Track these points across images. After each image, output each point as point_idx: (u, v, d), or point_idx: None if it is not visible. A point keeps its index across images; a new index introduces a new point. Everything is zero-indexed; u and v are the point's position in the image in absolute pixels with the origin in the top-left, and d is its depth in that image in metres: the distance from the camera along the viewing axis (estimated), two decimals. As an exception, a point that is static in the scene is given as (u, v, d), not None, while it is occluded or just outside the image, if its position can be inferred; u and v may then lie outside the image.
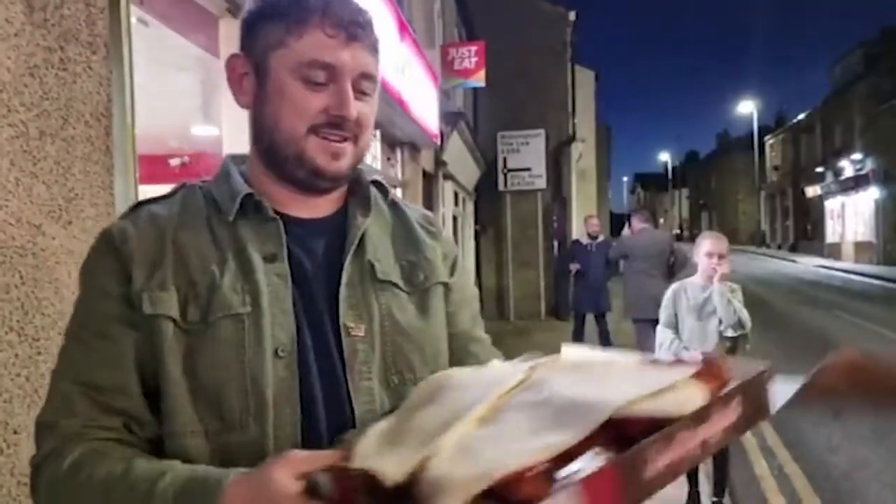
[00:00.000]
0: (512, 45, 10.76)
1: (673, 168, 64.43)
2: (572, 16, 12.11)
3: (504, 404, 0.64)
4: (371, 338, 0.82)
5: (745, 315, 3.30)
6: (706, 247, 3.37)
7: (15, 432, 1.31)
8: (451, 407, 0.65)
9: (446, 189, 8.49)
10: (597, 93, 19.72)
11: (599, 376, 0.66)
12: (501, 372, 0.72)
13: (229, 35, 2.88)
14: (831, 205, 27.92)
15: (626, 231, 7.16)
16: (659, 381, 0.62)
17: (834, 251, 26.54)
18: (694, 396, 0.61)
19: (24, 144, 1.37)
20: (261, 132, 0.85)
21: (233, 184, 0.86)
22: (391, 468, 0.57)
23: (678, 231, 59.42)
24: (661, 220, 63.21)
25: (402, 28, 5.26)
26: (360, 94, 0.83)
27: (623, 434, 0.58)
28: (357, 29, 0.81)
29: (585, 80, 16.68)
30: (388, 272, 0.87)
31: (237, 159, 0.91)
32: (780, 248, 34.81)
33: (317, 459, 0.64)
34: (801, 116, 33.09)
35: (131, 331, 0.77)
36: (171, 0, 2.58)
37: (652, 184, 75.08)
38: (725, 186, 47.70)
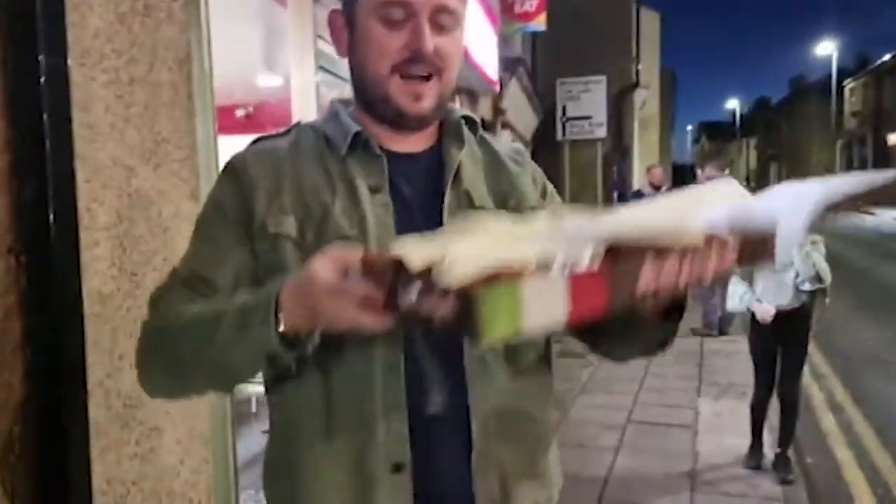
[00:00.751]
0: (574, -13, 10.39)
1: (741, 115, 61.55)
2: (638, -46, 11.55)
3: (525, 233, 0.70)
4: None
5: (824, 268, 3.19)
6: None
7: (119, 358, 1.42)
8: (480, 226, 0.73)
9: (504, 138, 8.40)
10: (662, 36, 18.88)
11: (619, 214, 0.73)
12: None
13: (296, -19, 2.91)
14: (914, 153, 26.20)
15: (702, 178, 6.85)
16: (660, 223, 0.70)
17: (915, 202, 25.04)
18: (682, 231, 0.68)
19: (116, 90, 1.44)
20: (356, 78, 0.93)
21: (343, 123, 0.93)
22: (417, 255, 0.64)
23: (745, 183, 57.04)
24: (727, 172, 60.76)
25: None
26: (439, 27, 0.87)
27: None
28: None
29: (650, 23, 15.96)
30: (484, 199, 0.93)
31: (344, 102, 0.99)
32: (854, 199, 33.02)
33: (354, 252, 0.72)
34: (886, 57, 30.86)
35: (237, 244, 0.89)
36: (240, -53, 2.61)
37: (718, 133, 71.98)
38: (798, 135, 45.31)
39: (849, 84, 35.93)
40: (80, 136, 1.32)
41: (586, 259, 0.64)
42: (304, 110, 3.03)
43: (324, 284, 0.70)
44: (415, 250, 0.64)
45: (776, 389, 3.48)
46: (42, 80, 1.21)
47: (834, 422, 4.37)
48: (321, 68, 3.07)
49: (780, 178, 46.13)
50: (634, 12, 11.70)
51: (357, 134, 0.91)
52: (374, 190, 0.89)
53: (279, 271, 0.85)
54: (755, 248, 0.70)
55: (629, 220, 0.70)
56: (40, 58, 1.21)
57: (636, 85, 12.00)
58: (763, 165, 55.72)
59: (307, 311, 0.74)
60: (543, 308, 0.62)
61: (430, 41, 0.86)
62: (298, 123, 0.99)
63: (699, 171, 7.42)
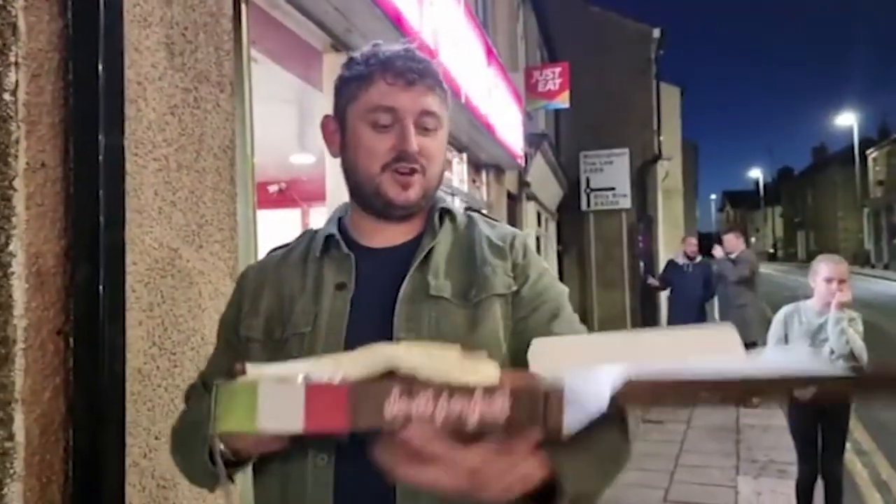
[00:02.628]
0: (595, 63, 10.69)
1: (765, 185, 61.55)
2: (657, 32, 11.91)
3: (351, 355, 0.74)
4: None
5: (859, 346, 3.08)
6: (824, 272, 3.18)
7: (156, 438, 1.43)
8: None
9: (529, 210, 8.49)
10: (682, 109, 19.21)
11: (434, 351, 0.74)
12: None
13: (333, 69, 3.06)
14: (945, 221, 25.79)
15: (719, 251, 6.76)
16: (469, 364, 0.69)
17: (950, 271, 24.47)
18: (471, 380, 0.66)
19: (165, 176, 1.52)
20: (347, 175, 1.03)
21: (327, 226, 1.05)
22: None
23: (772, 251, 56.46)
24: (753, 240, 60.34)
25: (489, 53, 5.37)
26: (423, 130, 0.97)
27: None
28: (414, 75, 0.96)
29: (671, 97, 16.29)
30: (441, 288, 0.96)
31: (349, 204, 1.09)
32: (886, 268, 32.44)
33: None
34: (907, 127, 30.89)
35: (226, 349, 1.02)
36: (280, 38, 2.77)
37: (742, 202, 71.89)
38: (823, 203, 45.04)
39: (872, 153, 35.94)
40: (130, 220, 1.39)
41: (332, 375, 0.67)
42: (338, 186, 3.13)
43: None
44: (266, 368, 0.73)
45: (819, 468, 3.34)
46: (101, 168, 1.28)
47: (881, 501, 4.16)
48: (354, 148, 3.18)
49: (807, 246, 45.54)
50: (655, 87, 11.97)
51: (329, 237, 1.02)
52: (339, 287, 0.97)
53: None
54: (532, 403, 0.65)
55: (422, 353, 0.71)
56: (100, 145, 1.28)
57: (658, 157, 12.14)
58: (789, 233, 55.22)
59: None
60: (279, 411, 0.66)
61: (415, 142, 0.95)
62: (307, 231, 1.10)
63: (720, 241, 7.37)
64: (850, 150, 37.07)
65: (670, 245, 7.37)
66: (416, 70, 0.96)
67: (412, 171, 0.96)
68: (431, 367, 0.68)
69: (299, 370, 0.70)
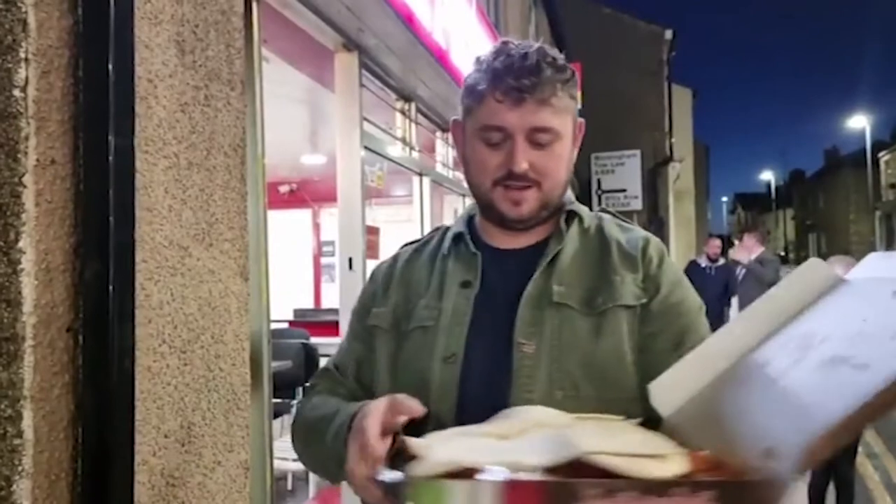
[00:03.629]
0: (607, 64, 10.66)
1: (776, 187, 61.12)
2: (669, 34, 11.87)
3: (525, 434, 0.73)
4: (539, 354, 0.91)
5: None
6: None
7: (165, 436, 1.43)
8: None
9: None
10: (694, 111, 19.11)
11: (611, 430, 0.74)
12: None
13: (344, 69, 3.06)
14: (960, 224, 25.50)
15: (742, 253, 6.61)
16: (652, 446, 0.65)
17: (965, 275, 24.16)
18: (665, 471, 0.62)
19: (175, 174, 1.51)
20: (468, 185, 1.04)
21: (457, 224, 1.08)
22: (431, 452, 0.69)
23: (783, 253, 56.06)
24: (767, 242, 59.84)
25: (499, 54, 5.34)
26: (537, 145, 0.95)
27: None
28: (522, 94, 0.93)
29: (682, 99, 16.21)
30: (567, 295, 0.94)
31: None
32: (900, 271, 32.04)
33: (409, 408, 0.82)
34: (922, 130, 30.57)
35: (356, 336, 1.08)
36: (292, 37, 2.77)
37: (754, 204, 71.44)
38: (835, 206, 44.66)
39: (884, 156, 35.60)
40: (139, 218, 1.38)
41: (529, 471, 0.62)
42: (350, 187, 3.12)
43: (359, 440, 0.81)
44: (438, 448, 0.69)
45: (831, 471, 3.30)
46: (111, 165, 1.28)
47: (893, 505, 4.11)
48: (365, 147, 3.17)
49: (819, 249, 45.15)
50: (667, 89, 11.91)
51: (458, 235, 1.04)
52: (464, 284, 0.98)
53: (375, 359, 1.01)
54: (740, 495, 0.60)
55: (599, 431, 0.68)
56: (110, 143, 1.28)
57: (670, 158, 12.08)
58: (801, 235, 54.79)
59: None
60: None
61: (524, 161, 0.94)
62: (439, 227, 1.13)
63: (736, 241, 7.28)
64: (862, 153, 36.75)
65: (682, 247, 7.32)
66: (525, 88, 0.92)
67: (524, 187, 0.96)
68: (619, 459, 0.62)
69: (471, 453, 0.65)
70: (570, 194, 1.06)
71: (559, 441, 0.66)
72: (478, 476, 0.63)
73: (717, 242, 7.09)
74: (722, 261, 6.89)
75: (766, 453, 0.61)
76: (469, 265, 1.00)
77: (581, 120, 1.03)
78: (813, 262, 0.83)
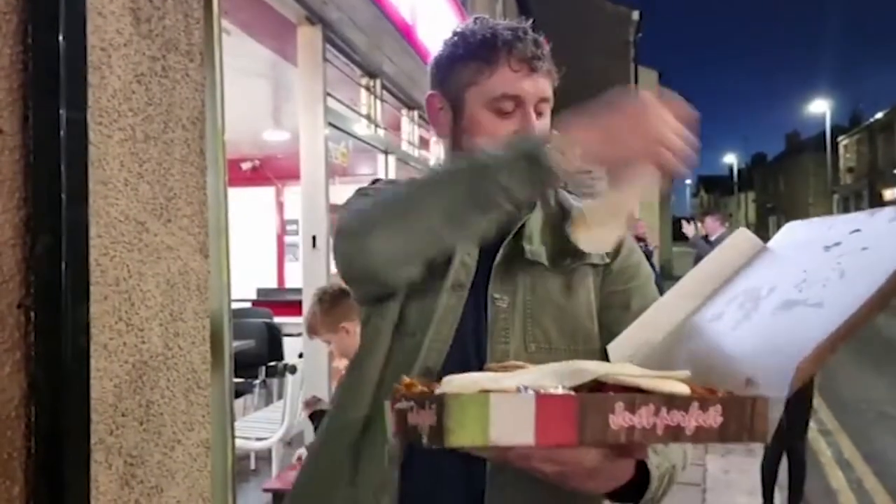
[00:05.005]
0: (574, 44, 10.68)
1: (739, 170, 62.39)
2: (636, 15, 11.94)
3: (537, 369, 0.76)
4: (513, 308, 0.96)
5: None
6: None
7: (123, 415, 1.41)
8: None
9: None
10: (660, 93, 19.30)
11: (611, 364, 0.79)
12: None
13: (307, 42, 3.00)
14: (911, 208, 26.45)
15: (689, 229, 6.72)
16: (653, 372, 0.71)
17: (914, 257, 25.12)
18: (677, 389, 0.68)
19: (131, 147, 1.47)
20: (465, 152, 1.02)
21: None
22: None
23: (743, 235, 57.21)
24: (727, 225, 61.17)
25: (467, 31, 5.31)
26: (539, 114, 1.00)
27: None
28: (537, 61, 0.98)
29: (648, 81, 16.34)
30: (537, 253, 0.99)
31: None
32: (853, 253, 33.15)
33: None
34: (878, 115, 31.51)
35: None
36: (253, 9, 2.70)
37: (716, 187, 72.87)
38: (795, 189, 45.87)
39: (843, 140, 36.56)
40: (93, 191, 1.34)
41: (559, 387, 0.66)
42: (314, 164, 3.08)
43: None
44: (458, 380, 0.70)
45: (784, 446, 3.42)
46: (62, 136, 1.23)
47: (843, 479, 4.29)
48: (329, 124, 3.13)
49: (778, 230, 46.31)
50: (633, 70, 12.00)
51: None
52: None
53: None
54: (742, 412, 0.67)
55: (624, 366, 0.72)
56: (61, 114, 1.24)
57: (635, 140, 12.22)
58: (762, 218, 56.15)
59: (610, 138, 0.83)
60: (511, 423, 0.61)
61: (537, 128, 0.98)
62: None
63: (699, 224, 7.43)
64: (822, 138, 37.71)
65: (646, 229, 7.44)
66: (538, 56, 0.98)
67: None
68: (638, 378, 0.68)
69: (493, 381, 0.67)
70: None
71: (573, 368, 0.70)
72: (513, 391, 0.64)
73: (643, 223, 7.17)
74: (651, 247, 6.99)
75: (748, 382, 0.70)
76: None
77: None
78: (741, 231, 0.93)
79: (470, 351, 0.95)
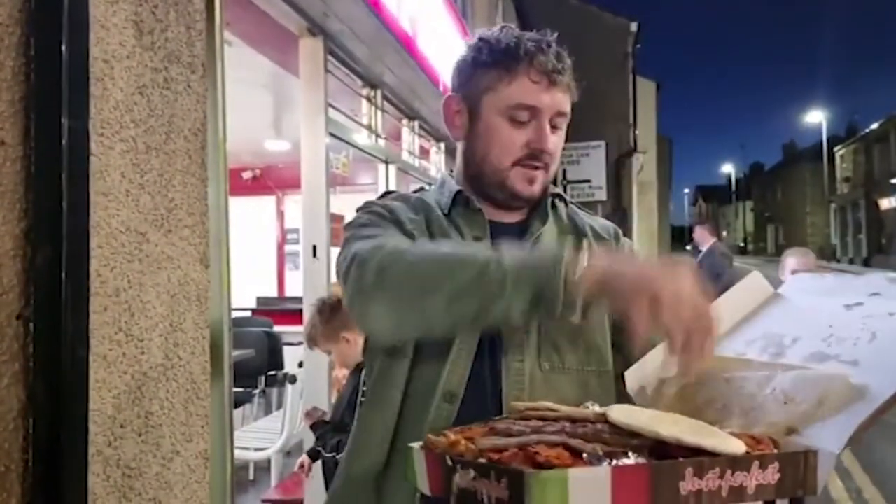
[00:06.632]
0: (573, 55, 10.72)
1: (737, 180, 62.53)
2: (634, 26, 12.00)
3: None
4: (529, 326, 0.95)
5: None
6: (792, 264, 3.31)
7: (121, 426, 1.40)
8: None
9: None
10: (658, 104, 19.38)
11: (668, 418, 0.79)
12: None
13: (309, 54, 3.01)
14: (909, 218, 26.50)
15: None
16: (708, 430, 0.72)
17: (912, 267, 25.17)
18: (735, 448, 0.69)
19: (133, 158, 1.47)
20: (470, 162, 1.04)
21: (448, 186, 1.07)
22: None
23: (742, 245, 57.43)
24: (725, 234, 61.33)
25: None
26: (554, 128, 1.00)
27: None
28: (557, 75, 0.98)
29: (647, 91, 16.41)
30: None
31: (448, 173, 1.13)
32: (851, 262, 33.24)
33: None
34: (874, 126, 31.62)
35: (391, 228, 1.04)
36: (255, 21, 2.71)
37: (714, 196, 73.02)
38: (792, 198, 45.93)
39: (839, 151, 36.66)
40: (94, 202, 1.34)
41: (632, 456, 0.66)
42: (315, 173, 3.09)
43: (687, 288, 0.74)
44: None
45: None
46: (64, 147, 1.23)
47: (843, 488, 4.27)
48: (331, 134, 3.14)
49: (776, 240, 46.37)
50: (632, 81, 12.05)
51: (458, 192, 1.03)
52: (477, 239, 0.99)
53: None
54: (796, 468, 0.69)
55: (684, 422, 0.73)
56: (63, 125, 1.24)
57: (634, 150, 12.25)
58: (759, 227, 56.20)
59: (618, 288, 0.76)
60: (589, 499, 0.62)
61: (551, 141, 0.98)
62: (418, 190, 1.14)
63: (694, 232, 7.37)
64: (819, 148, 37.83)
65: (644, 238, 7.45)
66: (559, 71, 0.98)
67: (539, 167, 1.00)
68: (702, 440, 0.68)
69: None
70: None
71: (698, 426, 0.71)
72: (585, 464, 0.65)
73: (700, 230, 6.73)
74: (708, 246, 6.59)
75: (789, 431, 0.73)
76: (474, 221, 1.02)
77: None
78: (755, 275, 0.95)
79: (485, 368, 0.94)
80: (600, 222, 1.11)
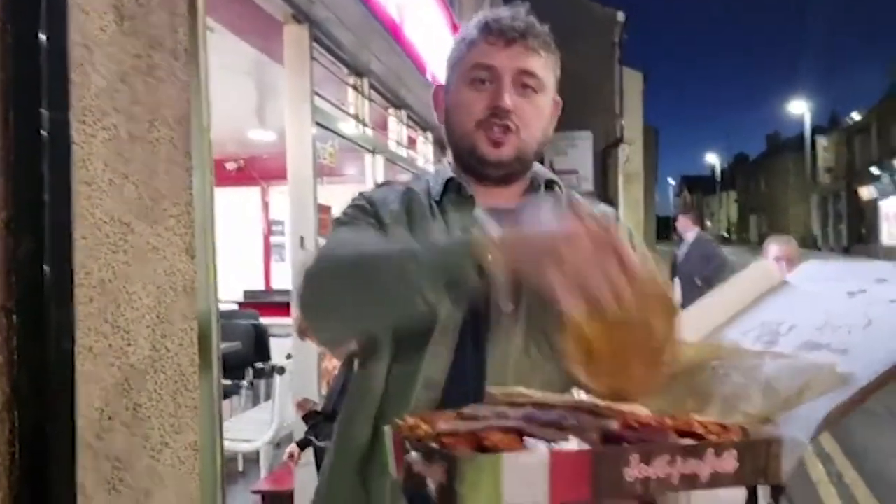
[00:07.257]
0: (560, 45, 10.71)
1: (721, 170, 62.96)
2: (621, 16, 12.00)
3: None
4: (517, 313, 0.93)
5: None
6: (774, 251, 3.33)
7: (110, 418, 1.38)
8: None
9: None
10: (644, 94, 19.43)
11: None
12: None
13: (293, 41, 2.97)
14: (887, 207, 26.87)
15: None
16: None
17: (890, 254, 25.52)
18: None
19: (116, 147, 1.44)
20: (450, 140, 1.04)
21: (442, 174, 1.06)
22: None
23: (726, 234, 57.90)
24: (709, 224, 61.82)
25: (455, 30, 5.31)
26: (522, 88, 0.98)
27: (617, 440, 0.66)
28: (515, 33, 0.96)
29: (633, 82, 16.43)
30: None
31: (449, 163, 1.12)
32: (832, 251, 33.64)
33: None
34: (855, 117, 31.93)
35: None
36: (238, 7, 2.67)
37: (699, 186, 73.50)
38: (775, 189, 46.33)
39: (822, 141, 36.97)
40: (78, 192, 1.32)
41: (573, 443, 0.64)
42: (300, 163, 3.06)
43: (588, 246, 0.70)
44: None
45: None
46: (44, 136, 1.21)
47: (823, 471, 4.33)
48: (317, 123, 3.11)
49: (759, 230, 46.78)
50: (618, 71, 12.07)
51: (450, 179, 1.02)
52: (464, 227, 0.97)
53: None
54: (756, 456, 0.66)
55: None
56: (43, 113, 1.21)
57: (620, 140, 12.28)
58: (743, 217, 56.70)
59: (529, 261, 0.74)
60: (524, 485, 0.60)
61: (509, 100, 0.96)
62: (410, 181, 1.13)
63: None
64: (802, 138, 38.14)
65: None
66: (518, 29, 0.97)
67: (505, 130, 0.97)
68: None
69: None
70: (546, 169, 1.10)
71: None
72: (525, 449, 0.63)
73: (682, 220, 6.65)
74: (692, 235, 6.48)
75: (765, 420, 0.71)
76: (464, 207, 1.01)
77: (558, 99, 1.07)
78: (761, 264, 0.94)
79: (468, 354, 0.93)
80: (600, 208, 1.10)
